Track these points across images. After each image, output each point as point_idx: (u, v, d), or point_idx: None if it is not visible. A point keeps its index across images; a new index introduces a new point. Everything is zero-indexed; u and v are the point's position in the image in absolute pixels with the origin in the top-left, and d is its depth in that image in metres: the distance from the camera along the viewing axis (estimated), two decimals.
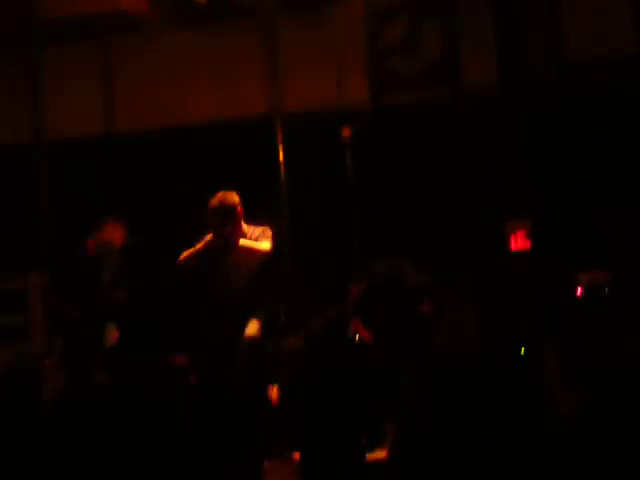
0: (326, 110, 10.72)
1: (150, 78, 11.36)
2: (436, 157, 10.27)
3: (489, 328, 8.97)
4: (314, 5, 10.45)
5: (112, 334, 8.84)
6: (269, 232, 8.18)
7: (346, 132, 10.00)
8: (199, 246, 8.22)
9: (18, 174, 11.43)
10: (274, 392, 6.84)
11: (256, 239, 8.02)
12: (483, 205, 10.04)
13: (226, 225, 8.00)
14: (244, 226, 8.19)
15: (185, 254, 8.23)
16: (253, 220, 8.61)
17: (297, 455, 6.39)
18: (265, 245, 8.10)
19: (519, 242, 9.68)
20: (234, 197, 8.16)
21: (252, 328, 8.24)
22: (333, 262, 9.93)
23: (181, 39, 11.06)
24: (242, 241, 8.09)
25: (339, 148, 9.99)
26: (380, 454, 6.58)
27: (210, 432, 6.28)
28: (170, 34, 10.95)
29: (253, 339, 8.00)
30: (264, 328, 8.35)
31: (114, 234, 9.09)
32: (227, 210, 8.05)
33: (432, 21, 10.75)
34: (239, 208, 8.21)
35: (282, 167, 10.92)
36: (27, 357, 7.72)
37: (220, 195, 8.05)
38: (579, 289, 9.03)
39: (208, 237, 8.07)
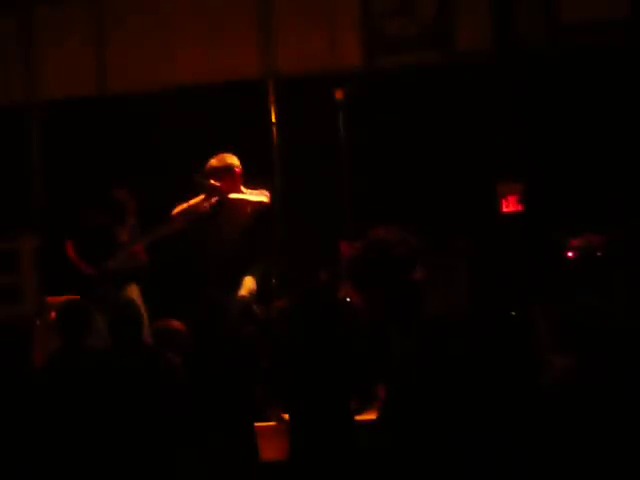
0: (319, 72, 10.68)
1: (143, 38, 11.29)
2: (429, 120, 10.24)
3: (479, 292, 8.99)
4: None
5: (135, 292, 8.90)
6: (266, 193, 8.27)
7: (339, 94, 9.94)
8: (192, 202, 8.27)
9: (9, 135, 11.39)
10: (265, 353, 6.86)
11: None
12: (475, 168, 10.01)
13: (223, 183, 8.09)
14: (243, 189, 8.26)
15: (178, 208, 8.28)
16: (248, 183, 8.68)
17: (287, 417, 6.42)
18: (260, 198, 8.17)
19: (511, 205, 9.68)
20: (233, 158, 8.25)
21: (244, 288, 8.30)
22: (326, 225, 9.91)
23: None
24: (235, 195, 8.16)
25: (332, 110, 9.93)
26: (370, 415, 6.62)
27: (200, 395, 6.31)
28: None
29: (244, 299, 8.04)
30: (257, 286, 8.41)
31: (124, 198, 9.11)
32: (226, 169, 8.18)
33: None
34: (237, 169, 8.27)
35: (275, 129, 10.89)
36: (18, 318, 7.72)
37: (219, 155, 8.16)
38: (571, 253, 9.04)
39: (202, 196, 8.14)
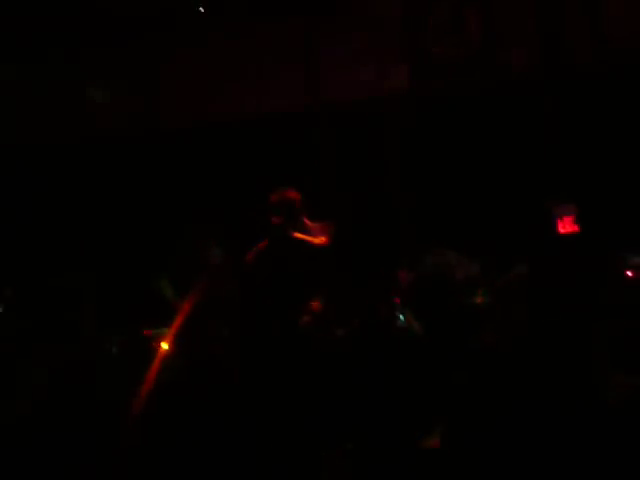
0: (368, 98, 10.70)
1: (192, 74, 11.39)
2: (480, 143, 10.23)
3: (538, 314, 8.92)
4: None
5: None
6: (329, 228, 8.29)
7: (388, 119, 9.98)
8: (261, 246, 8.36)
9: (72, 171, 11.52)
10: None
11: (314, 234, 8.14)
12: (529, 190, 9.97)
13: (285, 219, 8.15)
14: (307, 222, 8.31)
15: (249, 256, 8.37)
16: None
17: (351, 445, 6.42)
18: (318, 239, 8.20)
19: (567, 226, 9.62)
20: (294, 193, 8.31)
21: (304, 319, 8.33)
22: (381, 250, 9.92)
23: (221, 34, 11.12)
24: (297, 234, 8.21)
25: (382, 137, 9.96)
26: (433, 442, 6.59)
27: (266, 424, 6.32)
28: (211, 30, 11.01)
29: (303, 330, 8.05)
30: (315, 319, 8.42)
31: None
32: (286, 204, 8.22)
33: (473, 6, 10.69)
34: (299, 204, 8.33)
35: (326, 157, 10.94)
36: (80, 355, 7.81)
37: (280, 190, 8.22)
38: (630, 272, 8.97)
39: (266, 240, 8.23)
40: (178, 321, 8.85)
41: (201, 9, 10.62)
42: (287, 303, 8.12)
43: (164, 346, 8.64)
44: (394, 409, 6.09)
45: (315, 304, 8.27)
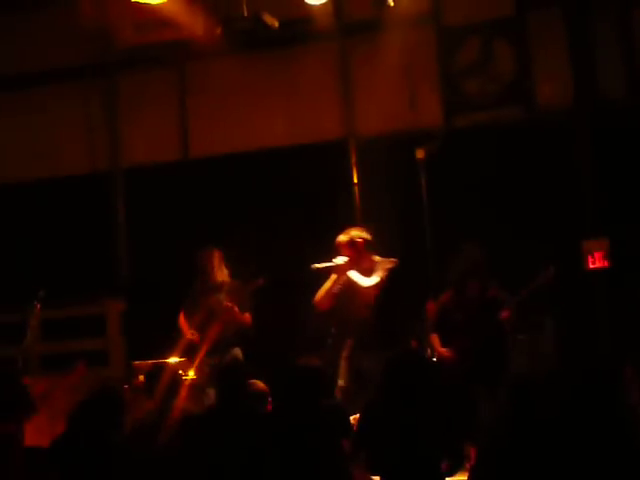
0: (399, 132, 10.70)
1: (223, 103, 11.44)
2: (511, 177, 10.20)
3: (567, 349, 8.87)
4: (385, 27, 10.42)
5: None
6: (387, 265, 8.39)
7: (420, 153, 9.97)
8: (328, 285, 8.42)
9: (94, 201, 11.59)
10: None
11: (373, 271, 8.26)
12: (560, 225, 9.92)
13: (350, 258, 8.30)
14: (373, 258, 8.40)
15: (319, 295, 8.43)
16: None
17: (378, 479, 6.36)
18: (366, 281, 8.29)
19: (597, 261, 9.56)
20: (356, 231, 8.43)
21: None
22: (410, 283, 9.87)
23: (253, 64, 11.17)
24: (351, 273, 8.34)
25: (413, 169, 9.95)
26: (461, 478, 6.52)
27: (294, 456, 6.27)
28: (242, 59, 11.05)
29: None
30: None
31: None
32: (350, 243, 8.37)
33: (504, 41, 10.69)
34: (360, 242, 8.42)
35: (356, 190, 10.95)
36: (108, 382, 7.80)
37: (346, 230, 8.38)
38: None
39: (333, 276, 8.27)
40: (203, 350, 8.89)
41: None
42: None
43: (190, 374, 8.65)
44: (421, 441, 6.01)
45: None
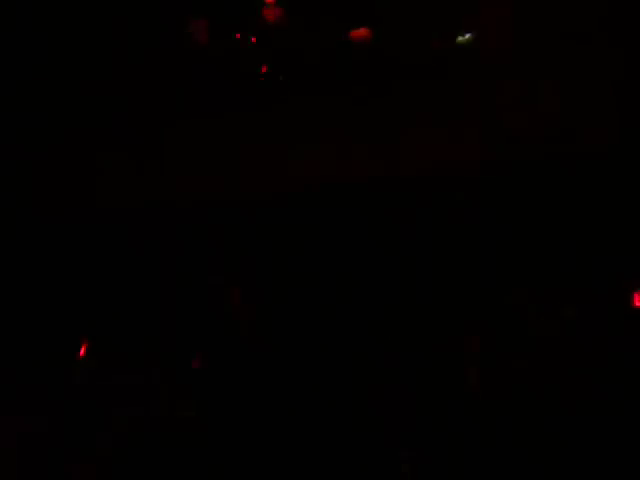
0: (439, 170, 10.50)
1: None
2: (554, 216, 10.00)
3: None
4: (427, 64, 10.32)
5: None
6: None
7: (461, 193, 9.84)
8: None
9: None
10: None
11: None
12: (606, 265, 9.66)
13: None
14: None
15: None
16: None
17: None
18: None
19: None
20: None
21: None
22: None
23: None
24: None
25: (452, 209, 9.81)
26: None
27: None
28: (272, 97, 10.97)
29: None
30: None
31: None
32: None
33: (550, 77, 10.52)
34: None
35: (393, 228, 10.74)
36: None
37: None
38: None
39: None
40: None
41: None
42: None
43: None
44: None
45: None
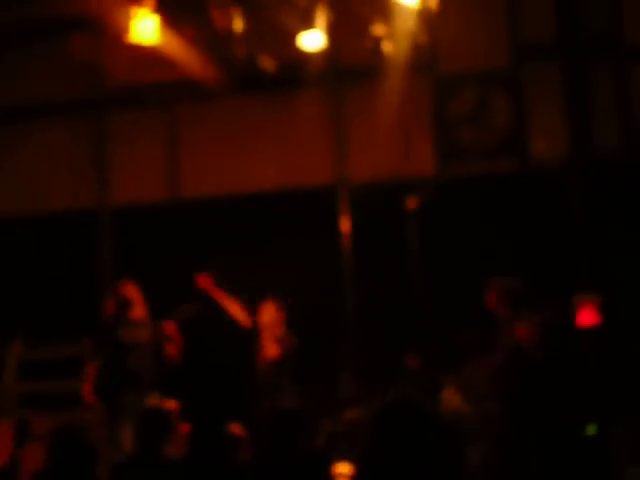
0: (391, 180, 10.61)
1: (215, 145, 11.35)
2: (502, 228, 10.09)
3: (554, 406, 8.72)
4: (380, 75, 10.36)
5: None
6: None
7: (411, 202, 9.89)
8: None
9: (81, 240, 11.45)
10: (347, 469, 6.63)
11: None
12: (551, 278, 9.78)
13: None
14: None
15: None
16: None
17: None
18: None
19: (587, 317, 9.41)
20: None
21: None
22: (397, 332, 9.74)
23: (247, 107, 11.12)
24: None
25: (404, 218, 9.87)
26: None
27: None
28: (236, 102, 11.01)
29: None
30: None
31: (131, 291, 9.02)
32: None
33: (500, 92, 10.64)
34: None
35: (345, 236, 10.83)
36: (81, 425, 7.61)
37: None
38: None
39: None
40: None
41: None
42: None
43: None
44: None
45: None
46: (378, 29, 9.74)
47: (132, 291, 8.94)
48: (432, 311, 9.22)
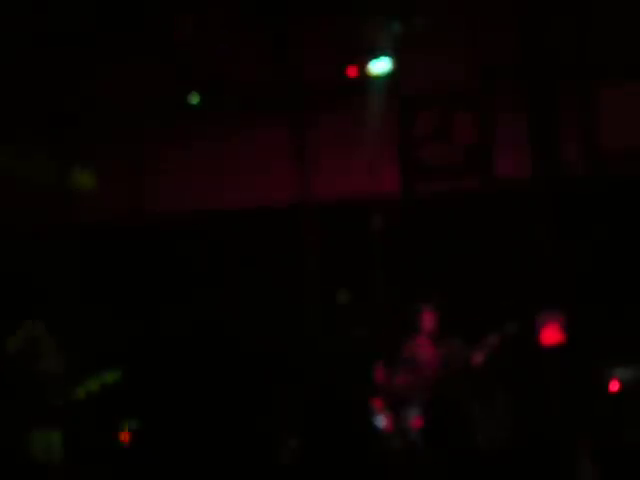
0: (357, 199, 10.60)
1: (181, 165, 11.31)
2: (467, 247, 10.10)
3: (521, 424, 8.74)
4: (346, 95, 10.37)
5: None
6: None
7: (376, 222, 9.91)
8: None
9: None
10: None
11: None
12: (515, 297, 9.80)
13: None
14: None
15: None
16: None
17: None
18: None
19: (551, 335, 9.43)
20: None
21: None
22: (364, 353, 9.72)
23: (212, 130, 11.08)
24: None
25: (369, 237, 9.89)
26: None
27: None
28: (202, 125, 10.98)
29: None
30: None
31: None
32: None
33: (465, 112, 10.68)
34: None
35: (310, 256, 10.80)
36: None
37: None
38: (615, 384, 8.79)
39: None
40: None
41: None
42: None
43: None
44: None
45: None
46: (344, 50, 9.81)
47: None
48: (396, 329, 9.19)
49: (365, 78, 10.23)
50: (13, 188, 11.10)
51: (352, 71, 10.02)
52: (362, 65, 10.21)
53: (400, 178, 10.79)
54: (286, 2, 10.45)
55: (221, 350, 10.34)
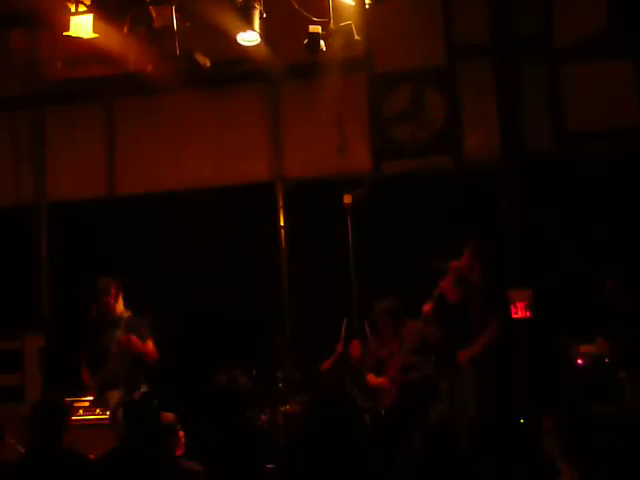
0: (327, 176, 10.73)
1: (152, 140, 11.38)
2: (436, 224, 10.22)
3: (488, 398, 8.89)
4: (317, 72, 10.44)
5: None
6: None
7: (347, 199, 10.00)
8: None
9: (18, 235, 11.41)
10: None
11: None
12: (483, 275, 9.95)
13: None
14: None
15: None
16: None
17: None
18: None
19: (520, 311, 9.60)
20: None
21: None
22: (333, 328, 9.84)
23: (184, 102, 11.15)
24: None
25: (340, 214, 9.98)
26: None
27: None
28: (173, 97, 11.04)
29: None
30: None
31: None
32: None
33: (435, 90, 10.80)
34: None
35: (282, 232, 10.93)
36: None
37: None
38: (580, 360, 8.97)
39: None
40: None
41: None
42: None
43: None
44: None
45: None
46: (315, 26, 9.81)
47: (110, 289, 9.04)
48: (367, 305, 9.31)
49: (338, 55, 10.28)
50: None
51: (324, 48, 10.03)
52: (334, 42, 10.25)
53: (371, 156, 10.92)
54: None
55: (195, 328, 10.47)
